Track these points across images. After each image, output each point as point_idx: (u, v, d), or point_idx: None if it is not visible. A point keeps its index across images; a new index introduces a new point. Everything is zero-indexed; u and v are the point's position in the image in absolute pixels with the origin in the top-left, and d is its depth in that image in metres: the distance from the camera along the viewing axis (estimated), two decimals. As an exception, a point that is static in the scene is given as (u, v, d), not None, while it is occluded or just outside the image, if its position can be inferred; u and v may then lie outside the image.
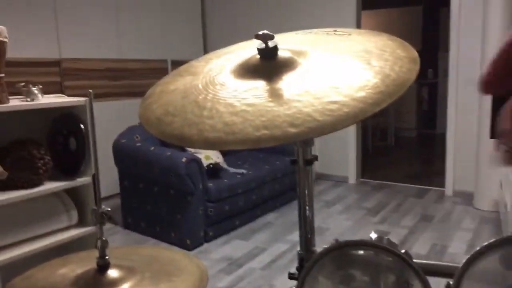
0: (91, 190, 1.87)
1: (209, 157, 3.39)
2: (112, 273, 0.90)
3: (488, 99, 3.38)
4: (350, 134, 4.33)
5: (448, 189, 3.88)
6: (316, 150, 4.56)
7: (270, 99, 0.86)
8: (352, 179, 4.38)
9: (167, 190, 2.96)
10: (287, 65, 0.95)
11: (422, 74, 7.37)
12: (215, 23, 5.05)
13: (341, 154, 4.42)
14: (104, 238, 0.91)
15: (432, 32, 7.16)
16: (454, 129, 3.82)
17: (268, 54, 0.96)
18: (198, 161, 2.89)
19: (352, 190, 4.14)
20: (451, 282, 0.77)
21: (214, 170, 3.17)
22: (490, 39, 3.32)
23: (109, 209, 0.92)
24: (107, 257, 0.91)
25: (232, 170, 3.37)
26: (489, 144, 3.42)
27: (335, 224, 3.25)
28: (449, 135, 3.84)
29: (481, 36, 3.60)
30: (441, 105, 7.03)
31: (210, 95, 0.93)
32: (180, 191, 2.89)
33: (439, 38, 7.10)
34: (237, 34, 4.87)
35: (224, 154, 3.90)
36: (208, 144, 0.81)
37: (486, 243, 0.78)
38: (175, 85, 1.02)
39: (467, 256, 0.78)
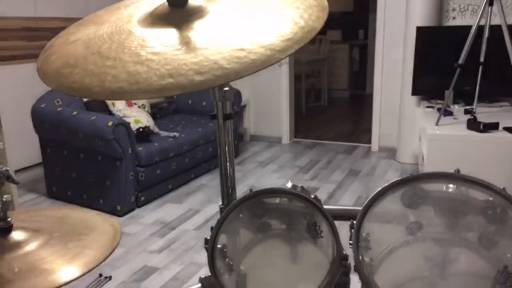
0: (3, 155, 1.74)
1: (139, 121, 3.29)
2: (16, 235, 0.86)
3: (410, 59, 3.54)
4: (283, 95, 4.37)
5: (374, 145, 4.09)
6: (250, 112, 4.57)
7: (177, 48, 0.83)
8: (285, 139, 4.47)
9: (94, 156, 2.85)
10: (197, 13, 0.91)
11: (353, 35, 7.55)
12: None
13: (274, 116, 4.48)
14: (4, 199, 0.86)
15: (363, -6, 7.29)
16: (380, 88, 3.99)
17: (177, 1, 0.92)
18: (125, 125, 2.78)
19: (285, 150, 4.23)
20: (354, 222, 0.81)
21: (144, 134, 3.08)
22: (414, 1, 3.44)
23: (8, 168, 0.85)
24: (9, 219, 0.85)
25: (163, 133, 3.29)
26: (411, 101, 3.61)
27: (268, 183, 3.32)
28: (375, 95, 4.01)
29: (404, -3, 3.72)
30: (370, 66, 7.29)
31: (115, 45, 0.88)
32: (108, 156, 2.78)
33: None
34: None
35: (155, 117, 3.80)
36: (110, 95, 0.77)
37: (386, 184, 0.82)
38: (77, 35, 0.95)
39: (369, 198, 0.82)
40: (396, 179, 0.84)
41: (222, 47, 0.81)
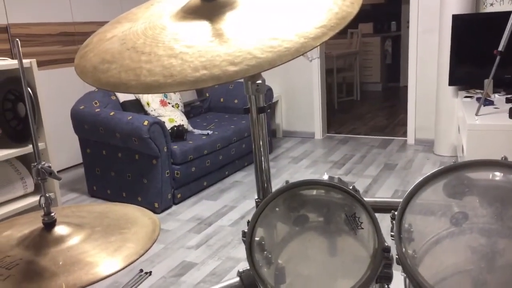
0: (46, 154, 1.81)
1: (173, 119, 3.33)
2: (60, 229, 0.88)
3: (446, 48, 3.42)
4: (315, 90, 4.33)
5: (410, 138, 3.98)
6: (282, 108, 4.55)
7: (210, 40, 0.83)
8: (318, 135, 4.42)
9: (131, 155, 2.91)
10: (228, 4, 0.91)
11: (385, 27, 7.38)
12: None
13: (306, 111, 4.44)
14: (47, 195, 0.88)
15: (394, -16, 7.11)
16: (415, 80, 3.88)
17: (208, -6, 0.91)
18: (160, 124, 2.83)
19: (318, 145, 4.19)
20: (396, 213, 0.78)
21: (178, 132, 3.12)
22: (448, -14, 3.32)
23: (50, 164, 0.88)
24: (52, 214, 0.88)
25: (197, 131, 3.33)
26: (448, 92, 3.49)
27: (301, 179, 3.29)
28: (410, 86, 3.90)
29: (439, -16, 3.60)
30: (404, 57, 7.10)
31: (149, 40, 0.88)
32: (145, 155, 2.84)
33: (401, -10, 7.07)
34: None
35: (189, 116, 3.85)
36: (146, 88, 0.77)
37: (428, 174, 0.79)
38: (113, 32, 0.97)
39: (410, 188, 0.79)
40: (439, 168, 0.81)
41: (255, 36, 0.80)
